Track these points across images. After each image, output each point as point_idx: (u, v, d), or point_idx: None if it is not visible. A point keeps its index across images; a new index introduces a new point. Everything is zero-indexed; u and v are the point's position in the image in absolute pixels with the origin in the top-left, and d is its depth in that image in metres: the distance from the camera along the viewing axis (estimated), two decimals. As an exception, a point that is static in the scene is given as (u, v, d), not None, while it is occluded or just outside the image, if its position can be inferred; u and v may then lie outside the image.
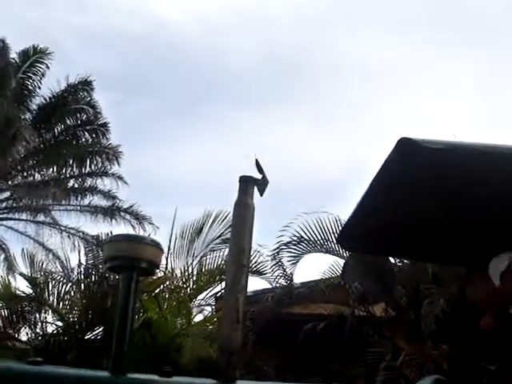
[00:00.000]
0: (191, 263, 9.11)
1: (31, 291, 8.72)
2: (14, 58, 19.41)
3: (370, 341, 7.52)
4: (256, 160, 4.50)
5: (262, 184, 4.45)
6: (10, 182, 19.96)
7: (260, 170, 4.54)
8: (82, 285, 8.61)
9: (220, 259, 9.05)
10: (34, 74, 19.85)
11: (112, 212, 20.47)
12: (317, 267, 9.03)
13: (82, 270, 8.69)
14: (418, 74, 20.79)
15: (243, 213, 4.26)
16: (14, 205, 20.15)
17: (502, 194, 4.14)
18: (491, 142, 3.88)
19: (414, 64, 20.92)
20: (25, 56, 19.62)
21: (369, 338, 7.59)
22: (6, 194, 20.00)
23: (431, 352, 6.69)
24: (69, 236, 20.24)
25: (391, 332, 7.55)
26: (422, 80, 20.75)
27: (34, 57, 19.58)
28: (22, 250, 9.89)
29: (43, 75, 19.93)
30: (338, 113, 22.57)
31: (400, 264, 8.30)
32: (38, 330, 8.64)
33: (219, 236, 9.37)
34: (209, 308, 9.15)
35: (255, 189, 4.42)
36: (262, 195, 4.47)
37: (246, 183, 4.35)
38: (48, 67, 19.80)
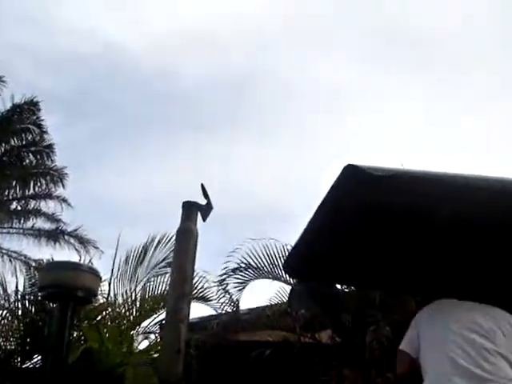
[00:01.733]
0: (134, 289, 8.89)
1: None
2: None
3: (317, 368, 7.44)
4: (202, 185, 4.42)
5: (206, 209, 4.38)
6: (-50, 204, 19.43)
7: (205, 195, 4.46)
8: (20, 312, 8.32)
9: (164, 285, 8.86)
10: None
11: (56, 235, 20.12)
12: (263, 294, 8.96)
13: (19, 296, 8.40)
14: (366, 97, 21.11)
15: (186, 239, 4.17)
16: (-45, 227, 19.63)
17: (448, 222, 4.16)
18: (437, 169, 3.89)
19: (362, 87, 21.25)
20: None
21: (315, 366, 7.51)
22: None
23: (376, 380, 6.66)
24: (10, 260, 19.76)
25: (337, 360, 7.50)
26: (370, 103, 21.07)
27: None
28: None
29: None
30: (286, 135, 22.74)
31: (347, 290, 8.27)
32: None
33: (163, 260, 9.19)
34: (153, 336, 8.94)
35: (199, 214, 4.34)
36: (204, 220, 4.39)
37: (189, 209, 4.28)
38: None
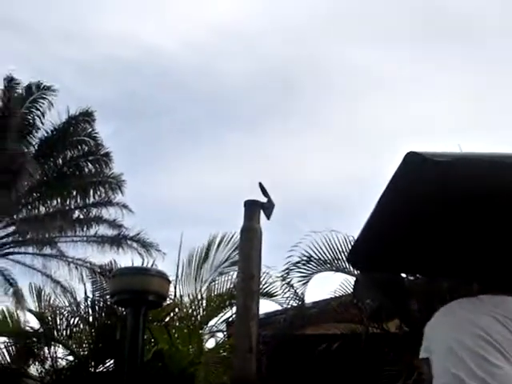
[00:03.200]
0: (200, 289, 9.00)
1: (39, 326, 8.64)
2: (17, 93, 19.59)
3: (386, 359, 7.38)
4: (260, 183, 4.43)
5: (268, 207, 4.39)
6: (15, 216, 19.98)
7: (265, 193, 4.47)
8: (91, 318, 8.52)
9: (229, 283, 8.95)
10: (37, 110, 19.96)
11: (118, 241, 20.49)
12: (327, 286, 8.93)
13: (89, 302, 8.60)
14: (410, 83, 20.79)
15: (250, 238, 4.19)
16: (20, 238, 20.18)
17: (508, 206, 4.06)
18: (498, 151, 3.80)
19: (411, 74, 20.92)
20: (28, 91, 19.78)
21: (384, 356, 7.45)
22: (12, 228, 20.02)
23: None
24: (76, 267, 20.24)
25: (406, 349, 7.41)
26: (416, 89, 20.74)
27: (37, 93, 19.72)
28: (30, 284, 9.83)
29: (46, 110, 20.07)
30: (339, 126, 22.59)
31: (412, 278, 8.18)
32: (47, 366, 8.53)
33: (226, 259, 9.27)
34: (220, 334, 9.03)
35: (261, 213, 4.36)
36: (268, 219, 4.40)
37: (252, 207, 4.29)
38: (51, 104, 19.94)
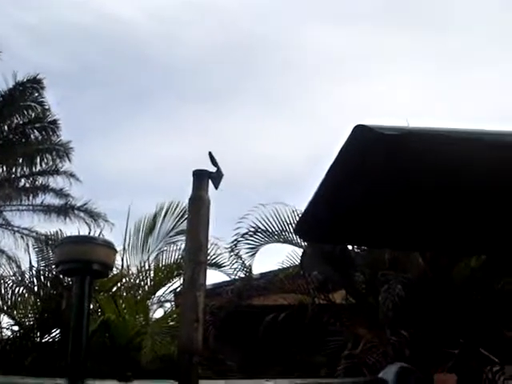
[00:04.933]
0: (147, 259, 8.97)
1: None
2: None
3: (332, 329, 7.51)
4: (210, 153, 4.40)
5: (217, 177, 4.36)
6: (-42, 184, 19.48)
7: (214, 163, 4.44)
8: (36, 287, 8.40)
9: (177, 253, 8.92)
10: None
11: (65, 210, 20.15)
12: (275, 258, 9.00)
13: (35, 272, 8.48)
14: (369, 61, 20.89)
15: (198, 208, 4.17)
16: (-36, 207, 19.69)
17: (461, 180, 4.15)
18: (444, 126, 3.86)
19: (365, 51, 21.01)
20: (-29, 55, 19.12)
21: (330, 327, 7.58)
22: (-45, 196, 19.51)
23: (391, 338, 6.72)
24: (22, 237, 19.84)
25: (351, 320, 7.56)
26: (373, 67, 20.86)
27: (-19, 56, 19.08)
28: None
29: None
30: (292, 101, 22.58)
31: (357, 250, 8.31)
32: (-9, 336, 8.42)
33: (173, 228, 9.24)
34: (168, 304, 9.03)
35: (210, 182, 4.33)
36: (216, 188, 4.38)
37: (200, 177, 4.26)
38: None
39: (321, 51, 20.93)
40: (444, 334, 6.71)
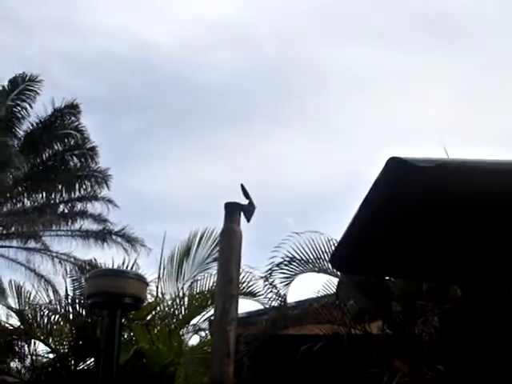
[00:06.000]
0: (182, 287, 8.95)
1: (19, 323, 8.56)
2: (3, 85, 19.40)
3: (368, 361, 7.37)
4: (242, 185, 4.38)
5: (249, 210, 4.34)
6: (-1, 209, 19.84)
7: (246, 195, 4.42)
8: (71, 315, 8.45)
9: (211, 280, 8.88)
10: (23, 101, 19.80)
11: (103, 236, 20.40)
12: (310, 286, 8.91)
13: (70, 300, 8.52)
14: (406, 84, 20.79)
15: (230, 241, 4.15)
16: (4, 232, 20.02)
17: (498, 212, 4.05)
18: (484, 157, 3.78)
19: (402, 74, 20.94)
20: (14, 83, 19.60)
21: (366, 358, 7.44)
22: (-4, 222, 19.87)
23: (427, 373, 6.56)
24: (60, 262, 20.12)
25: (388, 351, 7.41)
26: (411, 90, 20.75)
27: (23, 84, 19.54)
28: (10, 281, 9.73)
29: (32, 101, 19.91)
30: (327, 123, 22.55)
31: (394, 280, 8.17)
32: (27, 363, 8.46)
33: (208, 256, 9.21)
34: (203, 333, 8.98)
35: (242, 215, 4.31)
36: (248, 221, 4.36)
37: (232, 210, 4.25)
38: (38, 94, 19.76)
39: (357, 71, 20.92)
40: (482, 369, 6.53)
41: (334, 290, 8.50)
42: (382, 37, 20.67)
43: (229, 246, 4.12)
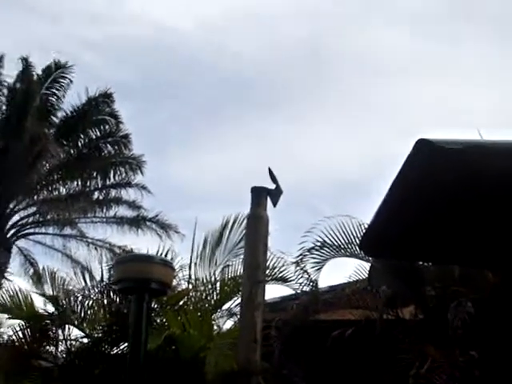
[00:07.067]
0: (214, 272, 8.98)
1: (54, 309, 8.69)
2: (37, 74, 19.63)
3: (400, 346, 7.30)
4: (269, 169, 4.36)
5: (276, 194, 4.33)
6: (36, 197, 20.15)
7: (273, 179, 4.40)
8: (105, 301, 8.55)
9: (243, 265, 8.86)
10: (57, 90, 20.03)
11: (138, 222, 20.60)
12: (342, 271, 8.85)
13: (104, 285, 8.62)
14: (439, 67, 20.48)
15: (256, 226, 4.14)
16: (41, 219, 20.35)
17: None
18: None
19: (432, 57, 20.61)
20: (47, 72, 19.83)
21: (398, 344, 7.37)
22: (33, 209, 20.20)
23: (459, 358, 6.47)
24: (96, 248, 20.39)
25: (420, 337, 7.33)
26: (447, 74, 20.44)
27: (56, 72, 19.77)
28: (43, 268, 9.87)
29: (66, 90, 20.13)
30: (359, 110, 22.34)
31: (427, 264, 8.08)
32: (62, 348, 8.60)
33: (240, 241, 9.20)
34: (235, 318, 8.99)
35: (268, 199, 4.30)
36: (275, 206, 4.35)
37: (259, 194, 4.24)
38: (71, 81, 19.98)
39: (393, 54, 20.67)
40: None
41: (366, 275, 8.43)
42: (419, 21, 20.37)
43: (255, 231, 4.10)
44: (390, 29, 20.71)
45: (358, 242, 8.10)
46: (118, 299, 8.34)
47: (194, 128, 25.53)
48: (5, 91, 19.64)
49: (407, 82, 22.08)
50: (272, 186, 4.17)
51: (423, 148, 3.65)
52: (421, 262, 7.97)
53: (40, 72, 19.69)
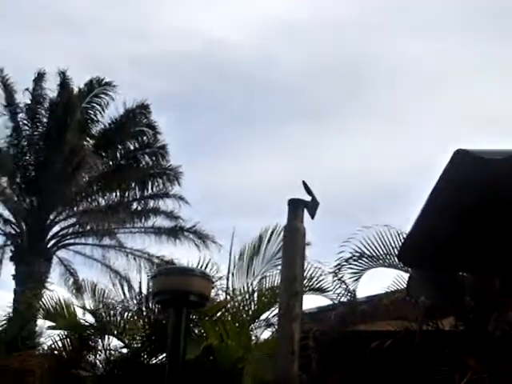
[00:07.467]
0: (251, 283, 8.98)
1: (94, 320, 8.79)
2: (79, 88, 19.95)
3: (439, 358, 7.21)
4: (304, 182, 4.36)
5: (313, 206, 4.31)
6: (75, 208, 20.44)
7: (309, 191, 4.39)
8: (144, 312, 8.62)
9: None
10: (98, 104, 20.32)
11: (175, 232, 20.74)
12: (380, 282, 8.78)
13: (143, 296, 8.68)
14: (478, 76, 20.25)
15: (294, 238, 4.13)
16: (81, 230, 20.63)
17: None
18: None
19: (469, 64, 20.40)
20: (89, 87, 20.15)
21: (438, 355, 7.28)
22: (73, 220, 20.49)
23: (500, 370, 6.36)
24: (134, 258, 20.57)
25: (460, 348, 7.23)
26: (483, 82, 20.20)
27: (98, 88, 20.07)
28: (82, 279, 9.99)
29: (106, 106, 20.44)
30: (396, 119, 22.20)
31: (467, 275, 7.97)
32: (101, 358, 8.68)
33: (278, 251, 9.20)
34: (273, 328, 8.98)
35: (305, 212, 4.29)
36: (313, 218, 4.33)
37: (296, 207, 4.23)
38: (113, 99, 20.26)
39: (428, 64, 20.51)
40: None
41: (405, 286, 8.35)
42: (452, 29, 20.19)
43: (292, 243, 4.12)
44: (429, 39, 20.56)
45: (396, 252, 8.04)
46: (156, 310, 8.39)
47: (231, 137, 25.66)
48: (46, 105, 20.01)
49: (447, 90, 21.85)
50: (308, 199, 4.16)
51: (462, 159, 3.63)
52: (460, 273, 7.87)
53: (82, 86, 20.04)
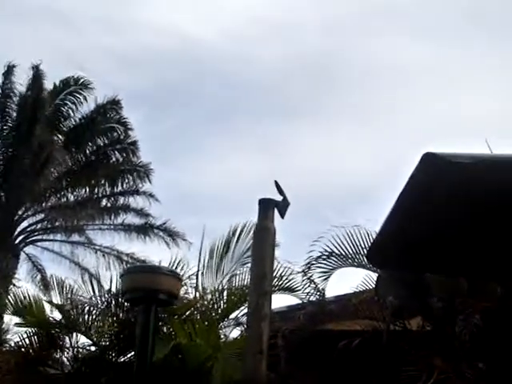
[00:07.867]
0: (221, 281, 8.98)
1: (61, 317, 8.71)
2: (54, 83, 19.71)
3: (406, 358, 7.28)
4: (276, 182, 4.38)
5: (283, 206, 4.33)
6: (44, 204, 20.22)
7: (280, 191, 4.41)
8: (112, 309, 8.57)
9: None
10: (71, 102, 20.11)
11: (145, 229, 20.64)
12: (349, 282, 8.84)
13: (112, 294, 8.62)
14: (446, 75, 20.47)
15: (263, 238, 4.15)
16: (49, 226, 20.41)
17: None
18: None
19: (442, 65, 20.63)
20: (65, 84, 19.94)
21: (405, 355, 7.35)
22: (41, 216, 20.27)
23: (466, 371, 6.45)
24: (103, 255, 20.43)
25: (427, 349, 7.31)
26: (455, 84, 20.43)
27: (74, 86, 19.86)
28: (51, 276, 9.87)
29: (80, 104, 20.24)
30: (367, 120, 22.37)
31: (434, 276, 8.05)
32: (68, 356, 8.61)
33: (247, 249, 9.20)
34: (242, 327, 8.98)
35: (275, 211, 4.31)
36: (283, 217, 4.35)
37: (266, 206, 4.25)
38: (86, 100, 20.06)
39: (398, 64, 20.70)
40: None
41: (373, 286, 8.42)
42: (426, 30, 20.39)
43: (262, 242, 4.12)
44: (404, 39, 20.75)
45: (365, 252, 8.10)
46: (125, 308, 8.35)
47: (203, 135, 25.61)
48: (15, 99, 19.76)
49: (422, 91, 22.08)
50: (279, 198, 4.18)
51: (430, 161, 3.67)
52: (428, 274, 7.95)
53: (58, 82, 19.82)
